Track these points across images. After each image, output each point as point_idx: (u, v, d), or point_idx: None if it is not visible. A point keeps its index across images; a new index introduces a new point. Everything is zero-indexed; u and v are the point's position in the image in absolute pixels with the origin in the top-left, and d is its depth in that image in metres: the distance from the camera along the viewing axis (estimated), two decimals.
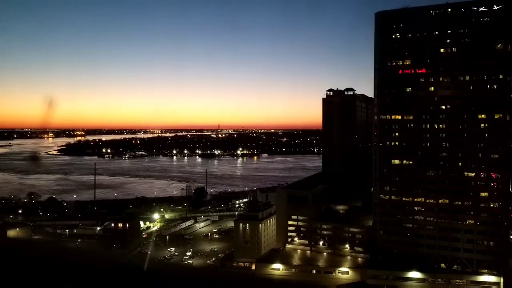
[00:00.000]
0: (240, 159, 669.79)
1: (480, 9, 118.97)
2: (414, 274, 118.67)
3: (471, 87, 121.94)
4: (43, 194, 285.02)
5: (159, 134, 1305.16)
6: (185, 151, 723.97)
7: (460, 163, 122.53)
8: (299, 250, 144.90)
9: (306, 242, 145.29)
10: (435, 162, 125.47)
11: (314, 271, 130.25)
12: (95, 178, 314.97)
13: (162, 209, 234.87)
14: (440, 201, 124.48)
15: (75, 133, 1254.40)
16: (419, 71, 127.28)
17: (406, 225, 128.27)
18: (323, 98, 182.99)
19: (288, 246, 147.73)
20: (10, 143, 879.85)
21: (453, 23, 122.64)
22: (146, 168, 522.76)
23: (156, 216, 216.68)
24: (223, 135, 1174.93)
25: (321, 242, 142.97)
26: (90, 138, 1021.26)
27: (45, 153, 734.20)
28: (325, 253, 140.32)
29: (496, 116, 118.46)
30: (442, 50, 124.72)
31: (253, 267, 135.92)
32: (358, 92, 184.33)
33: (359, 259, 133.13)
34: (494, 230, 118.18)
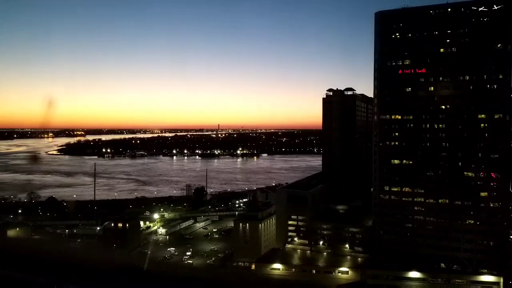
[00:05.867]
0: (240, 159, 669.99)
1: (480, 9, 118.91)
2: (414, 274, 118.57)
3: (471, 87, 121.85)
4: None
5: (159, 134, 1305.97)
6: (185, 151, 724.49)
7: (460, 163, 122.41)
8: (299, 250, 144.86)
9: (306, 242, 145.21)
10: (435, 162, 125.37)
11: (314, 271, 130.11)
12: (95, 178, 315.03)
13: (162, 209, 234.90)
14: (440, 201, 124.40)
15: (75, 133, 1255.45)
16: (419, 71, 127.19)
17: (406, 225, 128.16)
18: (323, 98, 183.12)
19: (288, 246, 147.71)
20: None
21: (453, 23, 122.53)
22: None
23: (156, 216, 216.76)
24: (223, 135, 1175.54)
25: (321, 242, 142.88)
26: (90, 138, 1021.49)
27: (45, 153, 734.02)
28: (325, 253, 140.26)
29: (496, 116, 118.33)
30: (442, 50, 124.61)
31: (253, 267, 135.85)
32: (358, 92, 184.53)
33: (359, 259, 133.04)
34: (494, 230, 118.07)
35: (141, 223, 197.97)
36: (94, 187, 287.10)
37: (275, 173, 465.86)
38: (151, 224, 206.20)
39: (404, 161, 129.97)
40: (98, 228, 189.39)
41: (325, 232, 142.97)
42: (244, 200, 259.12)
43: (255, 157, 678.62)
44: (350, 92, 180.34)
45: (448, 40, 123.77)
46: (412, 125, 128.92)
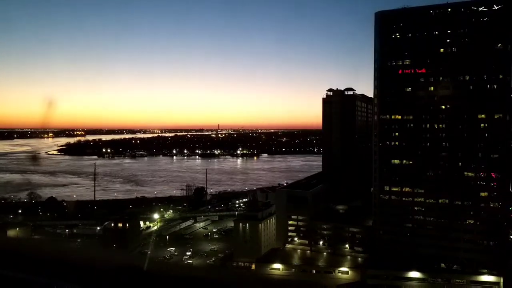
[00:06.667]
0: (240, 159, 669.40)
1: (480, 9, 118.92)
2: (414, 274, 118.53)
3: (471, 87, 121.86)
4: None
5: (159, 134, 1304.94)
6: (185, 151, 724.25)
7: (460, 163, 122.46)
8: (299, 250, 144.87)
9: (306, 242, 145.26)
10: (435, 162, 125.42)
11: (314, 271, 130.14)
12: (95, 177, 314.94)
13: (162, 209, 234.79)
14: (440, 201, 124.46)
15: (75, 133, 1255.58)
16: (419, 71, 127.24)
17: (406, 225, 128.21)
18: (323, 98, 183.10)
19: (288, 246, 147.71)
20: None
21: (453, 23, 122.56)
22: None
23: (156, 216, 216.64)
24: (223, 135, 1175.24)
25: (321, 242, 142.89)
26: (90, 138, 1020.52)
27: (45, 153, 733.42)
28: (325, 253, 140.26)
29: (496, 116, 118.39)
30: (442, 50, 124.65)
31: (253, 267, 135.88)
32: (358, 92, 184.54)
33: (359, 259, 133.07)
34: (494, 230, 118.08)
35: (141, 223, 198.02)
36: (94, 187, 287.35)
37: (257, 173, 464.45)
38: (151, 224, 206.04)
39: (404, 161, 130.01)
40: (98, 228, 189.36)
41: (325, 232, 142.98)
42: (244, 200, 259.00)
43: (255, 157, 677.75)
44: (350, 92, 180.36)
45: (448, 40, 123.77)
46: (412, 125, 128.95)
